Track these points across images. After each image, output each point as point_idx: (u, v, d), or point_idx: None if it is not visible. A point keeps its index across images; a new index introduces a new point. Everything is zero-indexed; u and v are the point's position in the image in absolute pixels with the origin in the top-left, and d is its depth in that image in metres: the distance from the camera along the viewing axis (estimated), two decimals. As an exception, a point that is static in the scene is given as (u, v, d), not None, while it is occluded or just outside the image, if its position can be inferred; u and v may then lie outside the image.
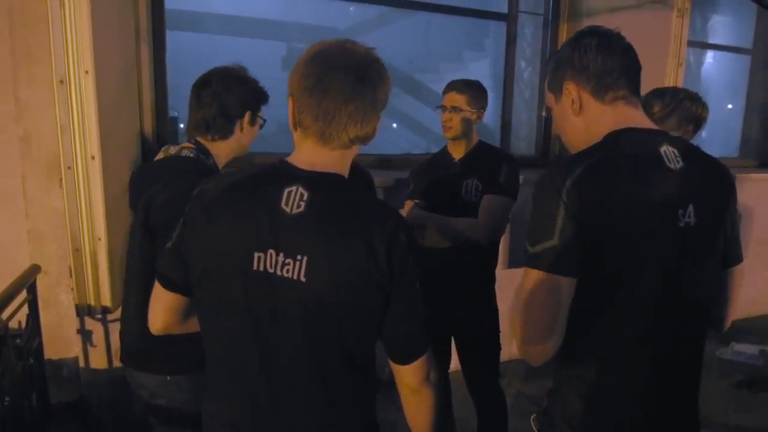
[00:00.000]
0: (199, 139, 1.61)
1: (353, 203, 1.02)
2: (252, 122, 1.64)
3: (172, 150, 1.60)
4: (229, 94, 1.57)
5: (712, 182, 1.13)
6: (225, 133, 1.60)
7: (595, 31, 1.16)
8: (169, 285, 1.12)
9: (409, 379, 1.11)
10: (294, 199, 0.99)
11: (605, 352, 1.12)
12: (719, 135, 5.62)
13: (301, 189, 0.99)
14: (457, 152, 2.28)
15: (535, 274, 1.04)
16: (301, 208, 0.98)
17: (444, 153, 2.34)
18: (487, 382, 2.33)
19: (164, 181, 1.49)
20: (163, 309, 1.15)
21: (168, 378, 1.52)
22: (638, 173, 1.05)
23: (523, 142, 3.99)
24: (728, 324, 1.29)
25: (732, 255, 1.22)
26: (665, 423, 1.16)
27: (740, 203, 4.18)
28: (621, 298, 1.08)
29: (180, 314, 1.15)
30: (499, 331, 2.30)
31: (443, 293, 2.20)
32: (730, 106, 5.72)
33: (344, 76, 0.98)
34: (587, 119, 1.16)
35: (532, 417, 1.25)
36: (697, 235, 1.09)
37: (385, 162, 3.48)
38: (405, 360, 1.09)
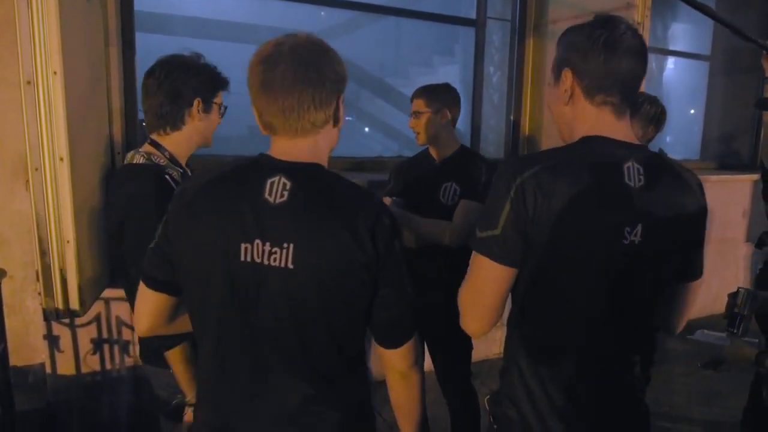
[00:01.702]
0: (154, 136, 1.60)
1: (335, 190, 1.04)
2: (206, 109, 1.59)
3: (129, 156, 1.60)
4: (173, 80, 1.53)
5: (674, 201, 1.12)
6: (175, 123, 1.57)
7: (609, 24, 1.12)
8: (154, 285, 1.13)
9: (399, 363, 1.14)
10: (277, 189, 1.01)
11: (539, 343, 1.17)
12: (682, 138, 5.80)
13: (283, 179, 1.01)
14: (439, 154, 2.28)
15: (478, 258, 1.11)
16: (285, 198, 1.00)
17: (426, 154, 2.35)
18: (458, 383, 2.35)
19: (116, 189, 1.58)
20: (148, 310, 1.15)
21: (170, 371, 1.56)
22: (591, 185, 1.06)
23: (492, 146, 4.07)
24: (680, 329, 1.35)
25: (691, 270, 1.25)
26: (606, 422, 1.20)
27: (700, 204, 4.23)
28: (554, 298, 1.13)
29: (166, 314, 1.16)
30: None
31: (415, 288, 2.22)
32: (692, 111, 5.91)
33: (285, 66, 1.01)
34: (575, 112, 1.17)
35: (486, 398, 1.30)
36: (641, 255, 1.10)
37: (359, 165, 3.50)
38: (395, 344, 1.12)
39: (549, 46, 3.68)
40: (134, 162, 1.56)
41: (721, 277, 4.64)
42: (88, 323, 2.57)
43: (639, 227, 1.07)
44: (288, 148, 1.06)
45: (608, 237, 1.07)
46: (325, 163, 1.10)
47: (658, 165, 1.13)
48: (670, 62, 5.70)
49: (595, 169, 1.08)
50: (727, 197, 4.55)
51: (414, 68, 5.09)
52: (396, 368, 1.15)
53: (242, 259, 1.01)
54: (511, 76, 3.94)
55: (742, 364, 1.67)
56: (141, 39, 2.70)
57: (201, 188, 1.05)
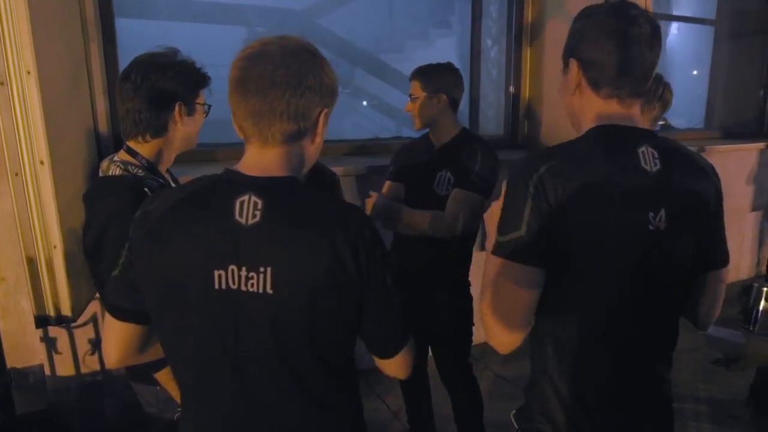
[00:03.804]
0: (131, 144, 1.48)
1: (310, 206, 0.97)
2: (189, 112, 1.49)
3: (104, 166, 1.49)
4: (151, 85, 1.41)
5: (691, 186, 1.10)
6: (157, 130, 1.46)
7: (620, 12, 1.07)
8: (120, 315, 1.06)
9: (395, 370, 1.11)
10: (248, 209, 0.94)
11: (571, 346, 1.12)
12: (686, 107, 5.67)
13: (253, 197, 0.94)
14: (438, 140, 2.18)
15: (503, 265, 1.05)
16: (257, 218, 0.93)
17: (427, 138, 2.24)
18: (460, 375, 2.32)
19: (92, 205, 1.45)
20: (116, 341, 1.08)
21: (158, 388, 1.51)
22: (609, 173, 1.04)
23: (492, 123, 3.97)
24: (713, 320, 1.28)
25: (715, 258, 1.20)
26: (640, 416, 1.18)
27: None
28: (585, 293, 1.08)
29: (135, 345, 1.09)
30: (472, 323, 2.28)
31: (414, 283, 2.16)
32: (696, 75, 5.78)
33: (264, 66, 0.94)
34: (581, 102, 1.14)
35: (512, 413, 1.27)
36: (667, 240, 1.07)
37: (361, 149, 3.40)
38: (388, 354, 1.08)
39: (548, 17, 3.55)
40: (110, 174, 1.46)
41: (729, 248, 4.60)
42: (85, 324, 2.53)
43: (662, 212, 1.06)
44: (258, 159, 0.99)
45: (633, 224, 1.05)
46: (299, 173, 1.03)
47: (670, 149, 1.10)
48: (674, 27, 5.54)
49: (611, 156, 1.05)
50: (734, 167, 4.46)
51: (410, 42, 4.92)
52: (392, 374, 1.13)
53: (216, 287, 0.94)
54: (509, 48, 3.81)
55: (762, 361, 1.62)
56: (123, 25, 2.59)
57: (165, 212, 0.97)
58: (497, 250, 1.06)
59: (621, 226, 1.04)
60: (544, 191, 1.01)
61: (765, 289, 1.63)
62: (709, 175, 1.14)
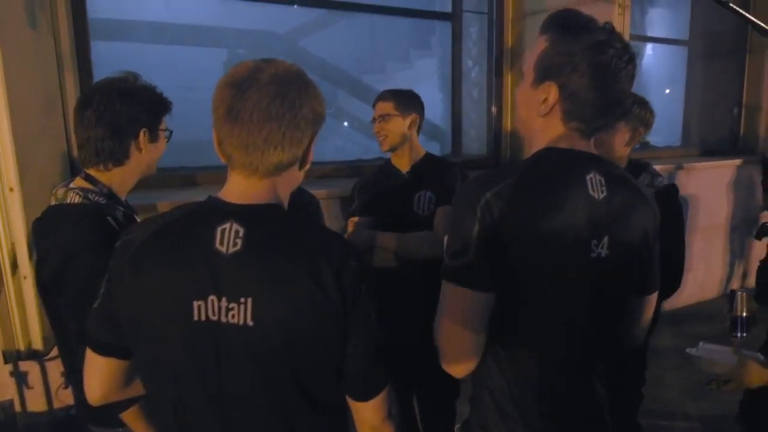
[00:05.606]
0: (90, 171, 1.40)
1: (294, 234, 0.94)
2: (152, 139, 1.43)
3: (60, 193, 1.38)
4: (115, 113, 1.35)
5: (634, 214, 1.11)
6: (119, 158, 1.38)
7: (610, 45, 1.02)
8: (101, 349, 1.01)
9: (370, 416, 1.04)
10: (229, 237, 0.91)
11: (512, 364, 1.12)
12: (662, 126, 5.75)
13: (235, 225, 0.91)
14: (403, 164, 2.16)
15: (453, 289, 1.04)
16: (238, 246, 0.90)
17: (389, 165, 2.22)
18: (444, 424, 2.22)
19: (49, 234, 1.34)
20: (99, 377, 1.03)
21: (120, 430, 1.39)
22: (555, 199, 1.03)
23: (474, 143, 3.97)
24: (640, 341, 1.32)
25: (649, 283, 1.22)
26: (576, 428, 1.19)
27: (686, 192, 4.30)
28: (527, 315, 1.09)
29: (119, 380, 1.04)
30: None
31: (396, 311, 2.11)
32: (671, 96, 5.88)
33: (258, 96, 0.90)
34: (544, 125, 1.10)
35: (456, 427, 1.28)
36: (609, 267, 1.08)
37: (343, 170, 3.33)
38: (365, 396, 1.02)
39: (528, 39, 3.58)
40: (68, 201, 1.35)
41: (707, 264, 4.63)
42: (57, 357, 2.43)
43: (606, 239, 1.06)
44: (242, 188, 0.96)
45: (576, 251, 1.05)
46: (284, 202, 1.00)
47: (616, 176, 1.10)
48: (649, 48, 5.66)
49: (559, 183, 1.04)
50: (712, 184, 4.52)
51: (390, 63, 4.97)
52: (367, 421, 1.05)
53: (195, 318, 0.91)
54: (490, 69, 3.83)
55: (755, 383, 1.59)
56: (99, 48, 2.54)
57: (145, 241, 0.94)
58: (448, 276, 1.05)
59: (564, 253, 1.04)
60: (491, 217, 1.00)
61: (744, 294, 1.63)
62: (650, 204, 1.14)
